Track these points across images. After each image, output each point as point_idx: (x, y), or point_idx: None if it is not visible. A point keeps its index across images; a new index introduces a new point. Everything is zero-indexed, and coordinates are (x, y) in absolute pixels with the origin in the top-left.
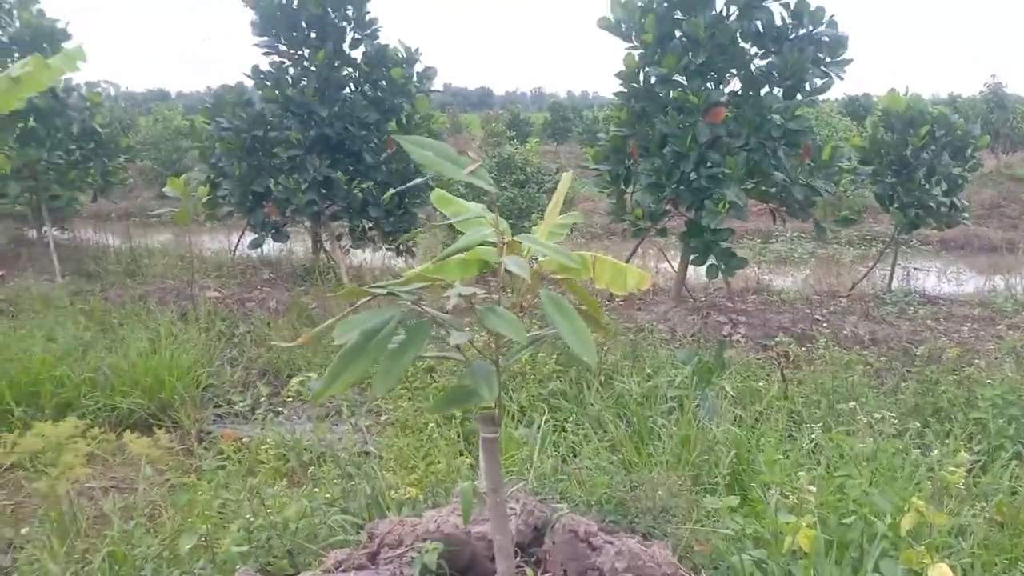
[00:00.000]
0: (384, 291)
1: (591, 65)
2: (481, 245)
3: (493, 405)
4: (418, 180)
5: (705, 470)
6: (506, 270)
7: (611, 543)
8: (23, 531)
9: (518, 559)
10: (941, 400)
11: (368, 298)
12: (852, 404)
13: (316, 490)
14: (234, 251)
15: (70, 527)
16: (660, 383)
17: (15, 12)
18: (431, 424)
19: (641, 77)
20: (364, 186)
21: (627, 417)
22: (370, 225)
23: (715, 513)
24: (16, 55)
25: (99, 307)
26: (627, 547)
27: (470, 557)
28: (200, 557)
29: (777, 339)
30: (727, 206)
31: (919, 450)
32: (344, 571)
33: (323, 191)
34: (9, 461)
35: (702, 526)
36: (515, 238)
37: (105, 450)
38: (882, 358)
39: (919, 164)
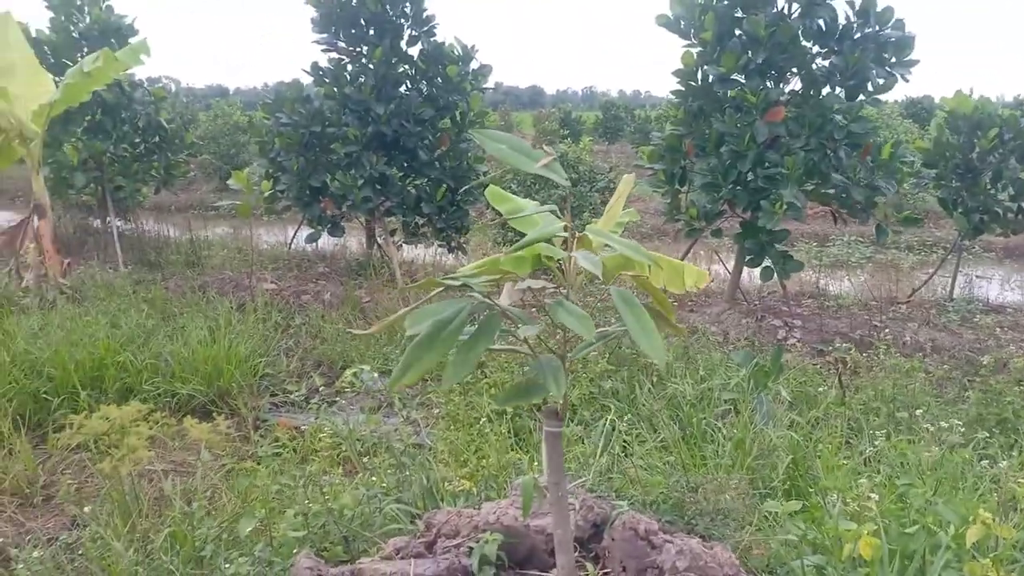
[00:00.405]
0: (458, 282)
1: (644, 64)
2: (543, 241)
3: (559, 400)
4: (478, 181)
5: (761, 474)
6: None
7: (671, 542)
8: (87, 509)
9: (577, 554)
10: (1006, 411)
11: (435, 291)
12: (916, 412)
13: (372, 479)
14: (290, 245)
15: (132, 507)
16: (714, 385)
17: (86, 8)
18: (482, 419)
19: (699, 75)
20: (418, 183)
21: (680, 419)
22: (423, 221)
23: (774, 517)
24: (85, 50)
25: (160, 296)
26: (688, 546)
27: (529, 550)
28: (258, 540)
29: (834, 344)
30: (784, 207)
31: (986, 461)
32: (403, 558)
33: (378, 187)
34: (75, 442)
35: (760, 530)
36: (585, 232)
37: (166, 434)
38: (944, 367)
39: (985, 168)
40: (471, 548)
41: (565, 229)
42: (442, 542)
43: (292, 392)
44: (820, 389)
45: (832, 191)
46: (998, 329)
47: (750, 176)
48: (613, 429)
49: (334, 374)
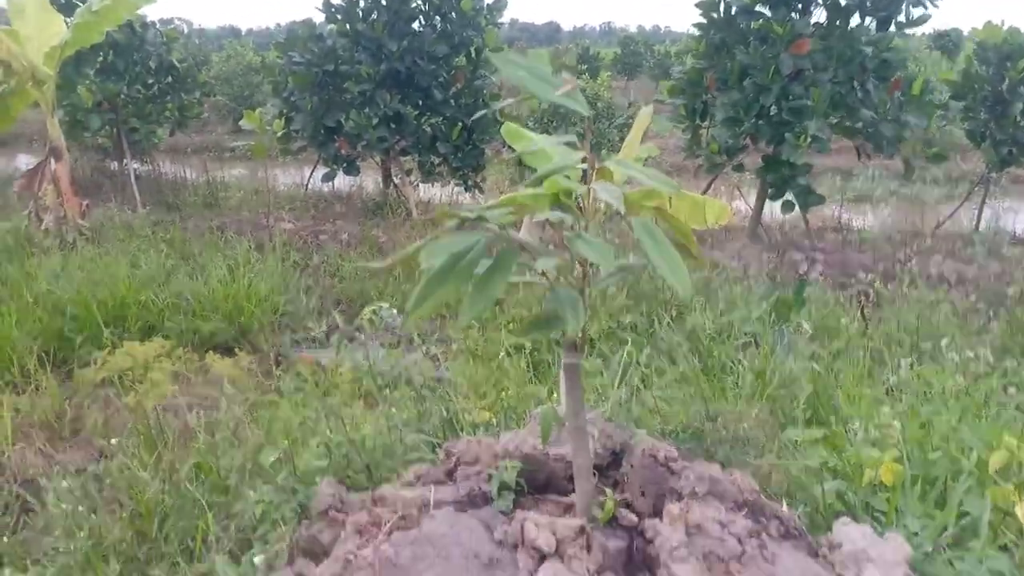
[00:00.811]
0: (474, 215)
1: None
2: (561, 173)
3: (577, 332)
4: (489, 110)
5: (782, 405)
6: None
7: (690, 467)
8: (113, 442)
9: (595, 481)
10: None
11: (449, 223)
12: (942, 342)
13: (392, 410)
14: (307, 185)
15: (157, 440)
16: (735, 319)
17: None
18: (501, 353)
19: (722, 7)
20: (433, 121)
21: (700, 352)
22: (438, 160)
23: (794, 445)
24: None
25: (179, 236)
26: (708, 472)
27: (547, 477)
28: (282, 470)
29: (857, 278)
30: (809, 140)
31: (1013, 389)
32: (424, 485)
33: (393, 126)
34: (100, 377)
35: (780, 458)
36: (606, 163)
37: (189, 369)
38: (969, 298)
39: (1015, 99)
40: (491, 475)
41: (583, 161)
42: (462, 469)
43: (312, 329)
44: (842, 321)
45: (859, 125)
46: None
47: (773, 110)
48: (632, 362)
49: (353, 312)
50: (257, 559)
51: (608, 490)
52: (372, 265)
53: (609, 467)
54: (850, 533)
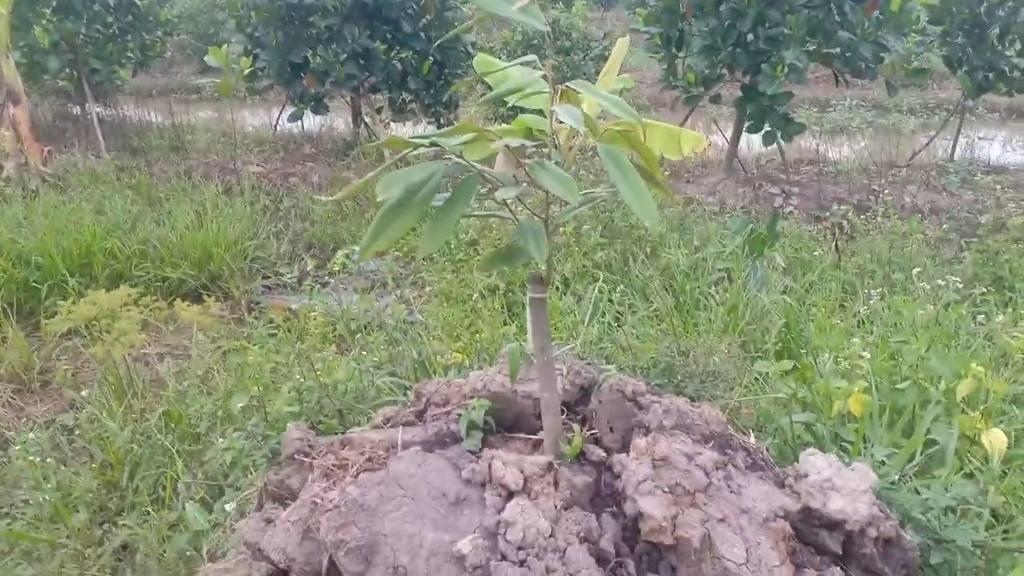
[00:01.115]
0: (427, 142)
1: None
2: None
3: (542, 265)
4: (451, 33)
5: (753, 338)
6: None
7: (658, 402)
8: (84, 393)
9: (563, 417)
10: (1002, 269)
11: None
12: (913, 272)
13: (364, 354)
14: (275, 126)
15: (127, 389)
16: (708, 254)
17: None
18: (475, 295)
19: None
20: (403, 56)
21: (673, 288)
22: (410, 97)
23: (764, 379)
24: None
25: (145, 182)
26: (675, 405)
27: (516, 415)
28: (253, 416)
29: (831, 210)
30: (786, 69)
31: (981, 316)
32: (392, 427)
33: (361, 62)
34: (65, 327)
35: (750, 391)
36: (569, 85)
37: (158, 318)
38: (942, 228)
39: (993, 22)
40: (460, 415)
41: (544, 79)
42: (432, 411)
43: (284, 275)
44: (816, 254)
45: (836, 50)
46: (998, 188)
47: (750, 37)
48: (605, 300)
49: (326, 256)
50: (228, 506)
51: (576, 426)
52: (322, 198)
53: (578, 403)
54: (816, 463)
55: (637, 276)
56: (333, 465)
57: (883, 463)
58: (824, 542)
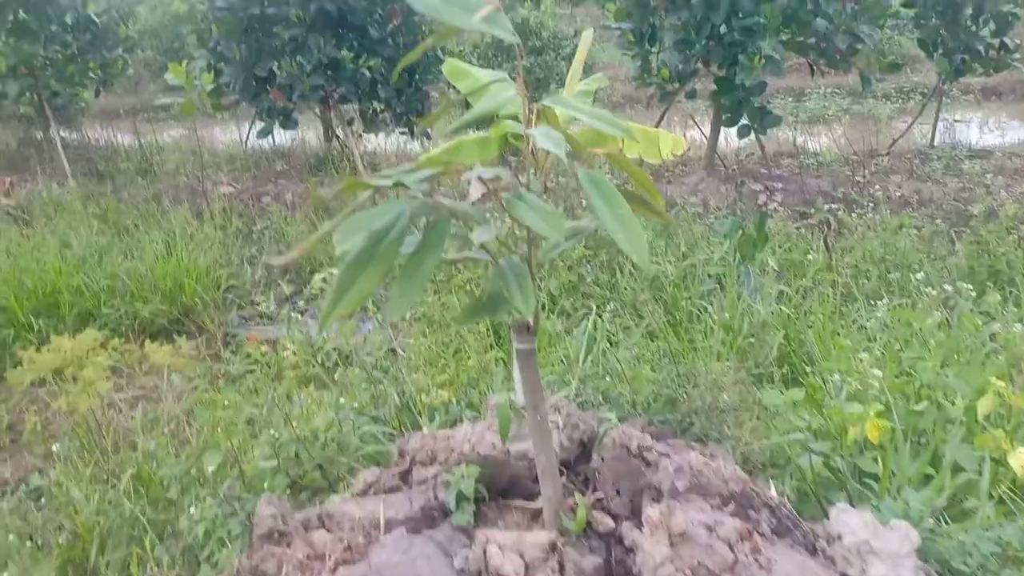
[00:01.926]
0: (389, 181)
1: None
2: (505, 117)
3: (529, 314)
4: (419, 50)
5: (754, 355)
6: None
7: (668, 456)
8: (55, 448)
9: (564, 478)
10: (999, 262)
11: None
12: (917, 276)
13: (342, 400)
14: (245, 142)
15: (95, 445)
16: (697, 261)
17: None
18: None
19: None
20: (371, 64)
21: (665, 302)
22: (380, 107)
23: (774, 405)
24: None
25: (113, 208)
26: (687, 462)
27: (510, 478)
28: (227, 476)
29: (817, 206)
30: (763, 60)
31: (979, 316)
32: (375, 493)
33: (329, 72)
34: (28, 379)
35: (759, 418)
36: (545, 102)
37: (129, 361)
38: (935, 222)
39: (966, 3)
40: (447, 482)
41: (518, 97)
42: (417, 471)
43: (260, 303)
44: (808, 257)
45: (812, 40)
46: (988, 176)
47: (724, 29)
48: (595, 327)
49: (303, 280)
50: None
51: (579, 495)
52: (274, 261)
53: (578, 461)
54: (850, 522)
55: (626, 289)
56: (308, 556)
57: (911, 505)
58: None
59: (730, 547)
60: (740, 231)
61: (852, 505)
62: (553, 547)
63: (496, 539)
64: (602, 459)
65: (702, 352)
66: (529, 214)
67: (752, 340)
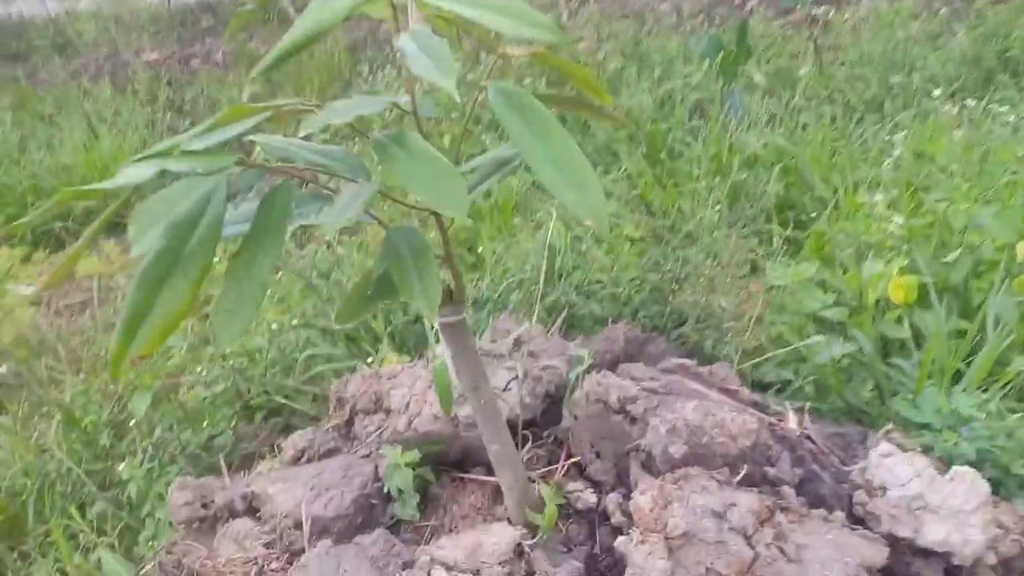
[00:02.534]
0: (174, 165)
1: None
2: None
3: (427, 314)
4: None
5: (747, 192)
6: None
7: (657, 413)
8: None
9: (530, 444)
10: (1014, 46)
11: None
12: (934, 92)
13: (284, 316)
14: (169, 0)
15: (25, 382)
16: (675, 87)
17: None
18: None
19: None
20: None
21: (642, 139)
22: None
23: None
24: None
25: (30, 95)
26: (682, 418)
27: (462, 451)
28: (165, 412)
29: None
30: None
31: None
32: (308, 460)
33: None
34: None
35: (764, 296)
36: None
37: (55, 278)
38: (943, 11)
39: None
40: (388, 471)
41: None
42: (360, 421)
43: None
44: (800, 72)
45: None
46: None
47: None
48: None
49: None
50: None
51: (545, 486)
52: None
53: (546, 418)
54: (895, 469)
55: (599, 131)
56: (230, 560)
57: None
58: (920, 573)
59: (746, 539)
60: (720, 47)
61: (882, 402)
62: (519, 552)
63: (444, 557)
64: (575, 417)
65: (688, 193)
66: (411, 173)
67: (744, 175)
